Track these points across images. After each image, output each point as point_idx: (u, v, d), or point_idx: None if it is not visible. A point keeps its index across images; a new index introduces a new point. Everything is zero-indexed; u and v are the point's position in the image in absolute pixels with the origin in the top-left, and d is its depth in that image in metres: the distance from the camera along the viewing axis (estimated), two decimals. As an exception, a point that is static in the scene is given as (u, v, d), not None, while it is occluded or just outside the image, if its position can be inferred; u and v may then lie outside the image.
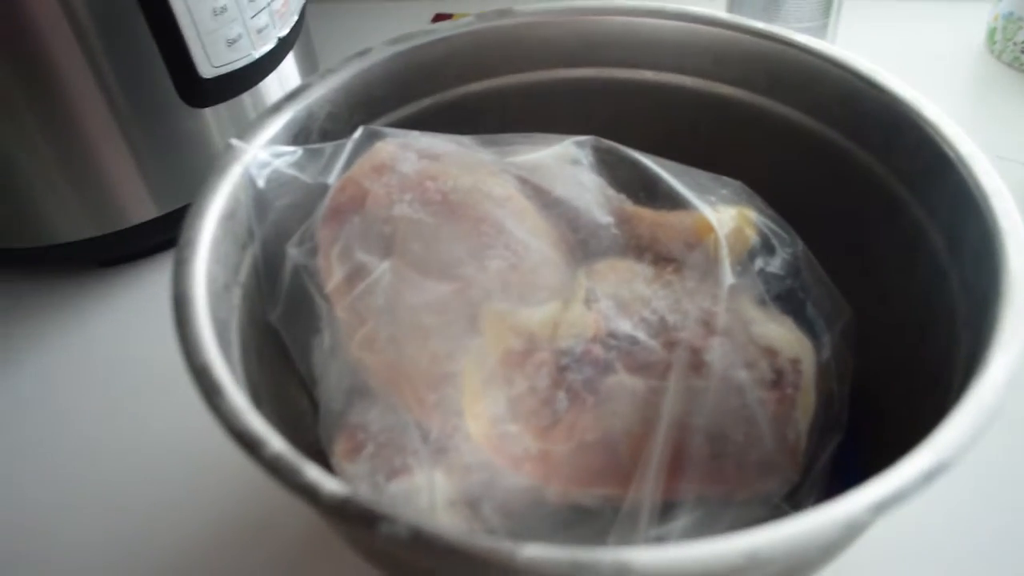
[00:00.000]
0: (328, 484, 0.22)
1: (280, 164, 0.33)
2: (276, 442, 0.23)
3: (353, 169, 0.33)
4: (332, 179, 0.33)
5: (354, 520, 0.21)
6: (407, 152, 0.33)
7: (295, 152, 0.33)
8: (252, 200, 0.32)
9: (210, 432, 0.25)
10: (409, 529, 0.21)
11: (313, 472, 0.22)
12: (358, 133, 0.34)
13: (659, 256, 0.34)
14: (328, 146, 0.34)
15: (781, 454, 0.30)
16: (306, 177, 0.33)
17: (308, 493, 0.22)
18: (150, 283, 0.51)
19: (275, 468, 0.22)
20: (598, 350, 0.31)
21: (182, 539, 0.40)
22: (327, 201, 0.33)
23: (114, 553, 0.39)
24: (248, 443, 0.23)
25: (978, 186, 0.28)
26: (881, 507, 0.21)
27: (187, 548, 0.39)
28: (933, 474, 0.21)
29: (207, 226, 0.30)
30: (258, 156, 0.32)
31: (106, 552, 0.39)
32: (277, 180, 0.33)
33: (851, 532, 0.21)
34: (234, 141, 0.32)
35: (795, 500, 0.31)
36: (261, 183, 0.32)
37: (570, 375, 0.31)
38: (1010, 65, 0.61)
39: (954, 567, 0.37)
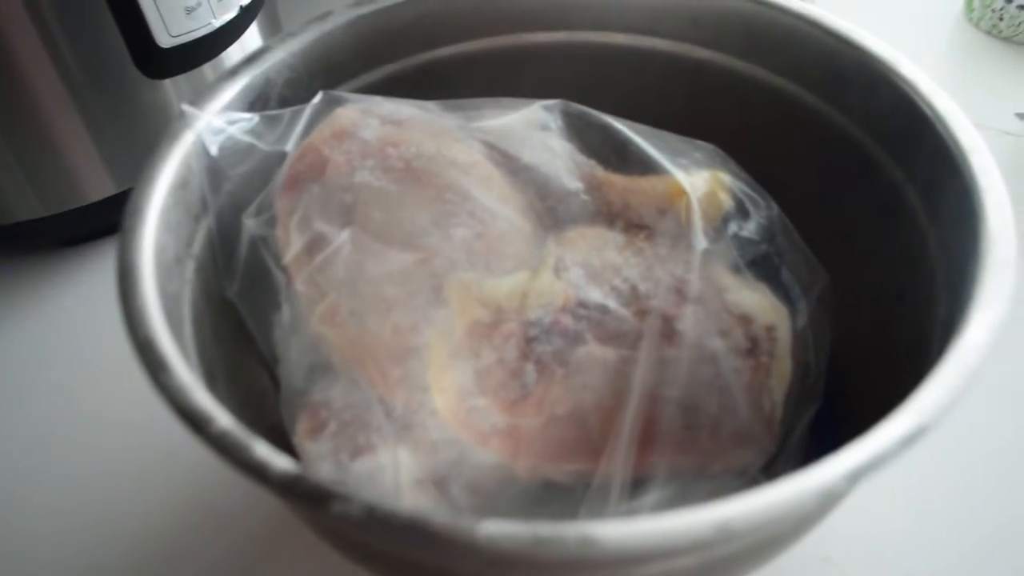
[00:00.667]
0: (278, 462, 0.21)
1: (235, 131, 0.32)
2: (223, 419, 0.22)
3: (312, 136, 0.32)
4: (290, 146, 0.32)
5: (305, 499, 0.20)
6: (368, 118, 0.32)
7: (251, 119, 0.32)
8: (205, 168, 0.31)
9: (173, 417, 0.24)
10: (363, 507, 0.20)
11: (262, 450, 0.21)
12: (317, 98, 0.33)
13: (630, 223, 0.33)
14: (286, 112, 0.32)
15: (756, 424, 0.29)
16: (263, 144, 0.32)
17: (257, 472, 0.21)
18: (111, 262, 0.49)
19: (222, 446, 0.21)
20: (567, 320, 0.30)
21: (145, 529, 0.38)
22: (285, 169, 0.31)
23: (74, 544, 0.38)
24: (193, 420, 0.22)
25: (956, 143, 0.27)
26: (858, 474, 0.20)
27: (150, 538, 0.38)
28: (912, 438, 0.21)
29: (156, 194, 0.28)
30: (212, 123, 0.31)
31: (65, 544, 0.38)
32: (232, 147, 0.31)
33: (827, 501, 0.20)
34: (186, 107, 0.31)
35: (772, 472, 0.30)
36: (214, 150, 0.31)
37: (539, 346, 0.30)
38: (988, 33, 0.60)
39: (937, 541, 0.36)
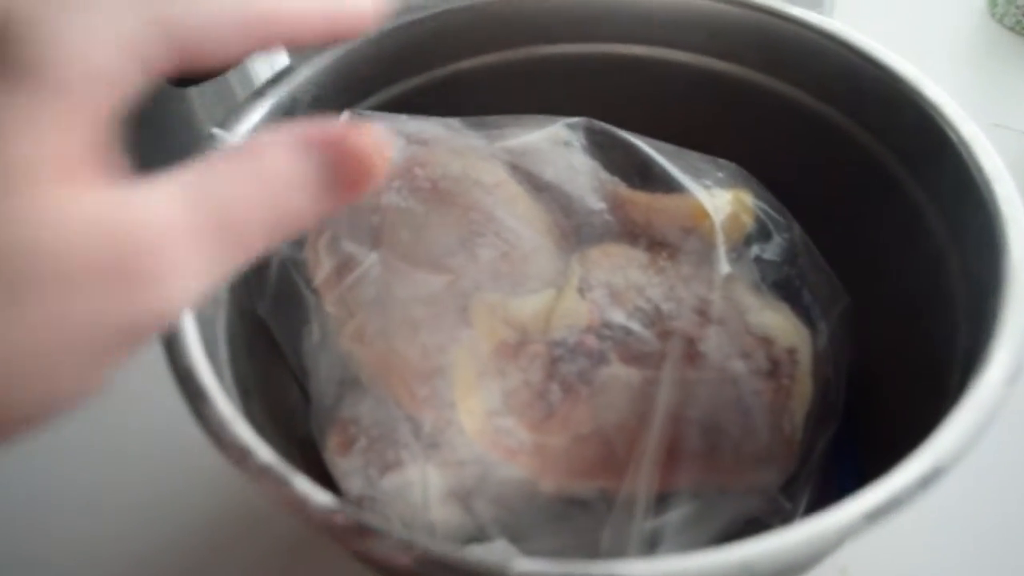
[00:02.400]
0: (318, 497, 0.22)
1: None
2: (263, 452, 0.23)
3: None
4: None
5: (344, 535, 0.21)
6: (395, 137, 0.33)
7: None
8: None
9: (196, 427, 0.25)
10: (401, 545, 0.21)
11: (302, 484, 0.22)
12: (343, 118, 0.33)
13: (654, 241, 0.33)
14: None
15: (777, 445, 0.30)
16: None
17: (297, 506, 0.22)
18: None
19: (262, 480, 0.22)
20: (592, 341, 0.31)
21: (168, 538, 0.39)
22: None
23: (98, 552, 0.39)
24: (234, 453, 0.23)
25: (979, 169, 0.27)
26: (876, 515, 0.21)
27: (173, 547, 0.39)
28: (930, 479, 0.21)
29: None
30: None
31: (90, 551, 0.39)
32: None
33: (845, 539, 0.21)
34: (215, 130, 0.31)
35: (791, 490, 0.30)
36: None
37: (564, 367, 0.30)
38: (1012, 29, 0.60)
39: (956, 552, 0.37)
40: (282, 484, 0.22)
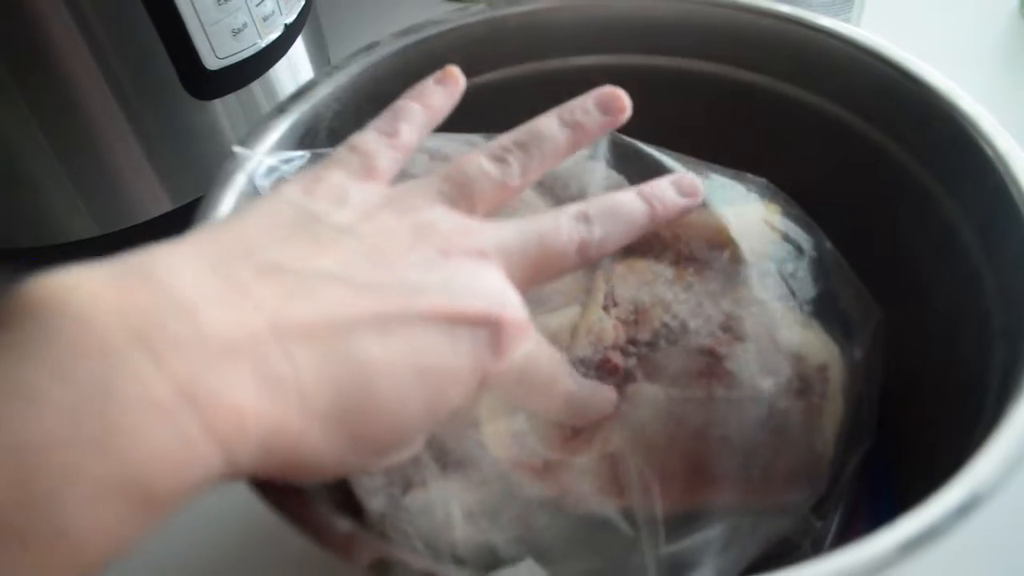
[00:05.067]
0: (339, 524, 0.21)
1: (288, 170, 0.32)
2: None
3: None
4: None
5: (368, 566, 0.21)
6: (418, 154, 0.32)
7: (303, 156, 0.32)
8: None
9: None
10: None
11: (323, 510, 0.22)
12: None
13: (680, 256, 0.33)
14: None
15: (808, 464, 0.29)
16: None
17: (318, 533, 0.21)
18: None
19: (282, 509, 0.22)
20: (617, 358, 0.30)
21: (181, 551, 0.38)
22: None
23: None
24: (256, 482, 0.22)
25: (1018, 188, 0.27)
26: (911, 546, 0.20)
27: (186, 560, 0.39)
28: (968, 508, 0.21)
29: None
30: (264, 162, 0.31)
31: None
32: None
33: (877, 573, 0.20)
34: (237, 148, 0.31)
35: (822, 510, 0.30)
36: (263, 187, 0.31)
37: (590, 386, 0.30)
38: (1047, 28, 0.58)
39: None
40: (306, 508, 0.22)
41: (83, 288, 0.19)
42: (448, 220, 0.25)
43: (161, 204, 0.48)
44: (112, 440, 0.17)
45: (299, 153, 0.32)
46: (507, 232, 0.26)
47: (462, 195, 0.26)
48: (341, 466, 0.22)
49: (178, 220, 0.48)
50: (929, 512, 0.20)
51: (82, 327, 0.18)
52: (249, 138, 0.32)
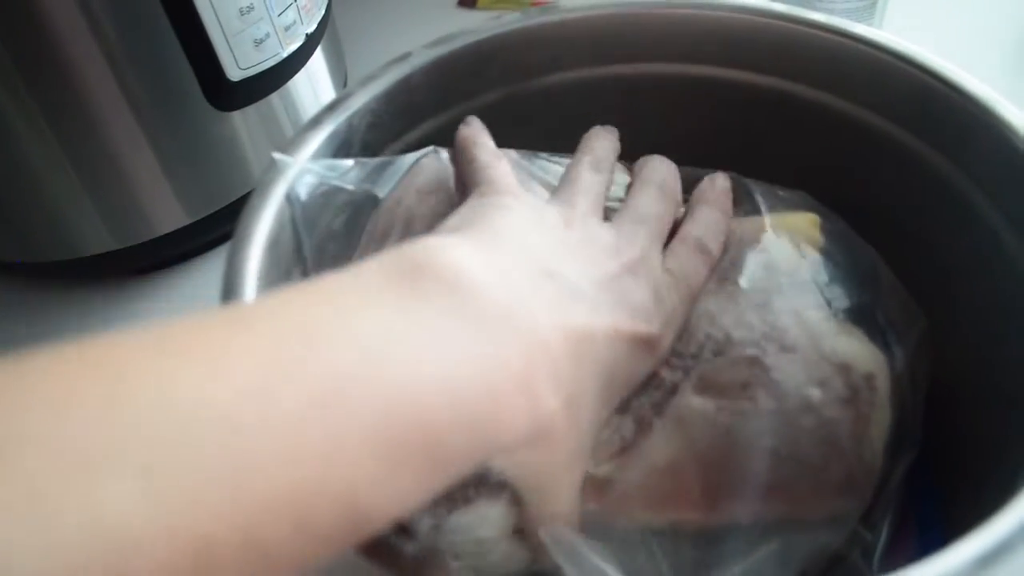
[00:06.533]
0: (406, 548, 0.21)
1: (331, 177, 0.31)
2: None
3: (398, 190, 0.32)
4: (382, 192, 0.32)
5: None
6: (447, 173, 0.32)
7: (348, 165, 0.32)
8: (298, 219, 0.31)
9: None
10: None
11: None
12: (423, 152, 0.32)
13: (721, 266, 0.32)
14: (384, 160, 0.32)
15: (856, 475, 0.29)
16: (354, 187, 0.32)
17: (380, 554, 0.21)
18: (182, 290, 0.50)
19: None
20: (663, 371, 0.30)
21: None
22: (370, 225, 0.31)
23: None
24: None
25: (1064, 194, 0.27)
26: (989, 560, 0.20)
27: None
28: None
29: (252, 258, 0.29)
30: (307, 170, 0.31)
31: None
32: (324, 194, 0.31)
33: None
34: (277, 155, 0.31)
35: (870, 521, 0.30)
36: (305, 197, 0.31)
37: (636, 399, 0.30)
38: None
39: None
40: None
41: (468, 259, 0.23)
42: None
43: (178, 218, 0.47)
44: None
45: (345, 162, 0.32)
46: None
47: None
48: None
49: (193, 233, 0.47)
50: (1004, 524, 0.20)
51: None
52: (287, 148, 0.32)
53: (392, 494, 0.19)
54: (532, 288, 0.24)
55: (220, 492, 0.16)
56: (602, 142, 0.32)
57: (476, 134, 0.31)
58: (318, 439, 0.18)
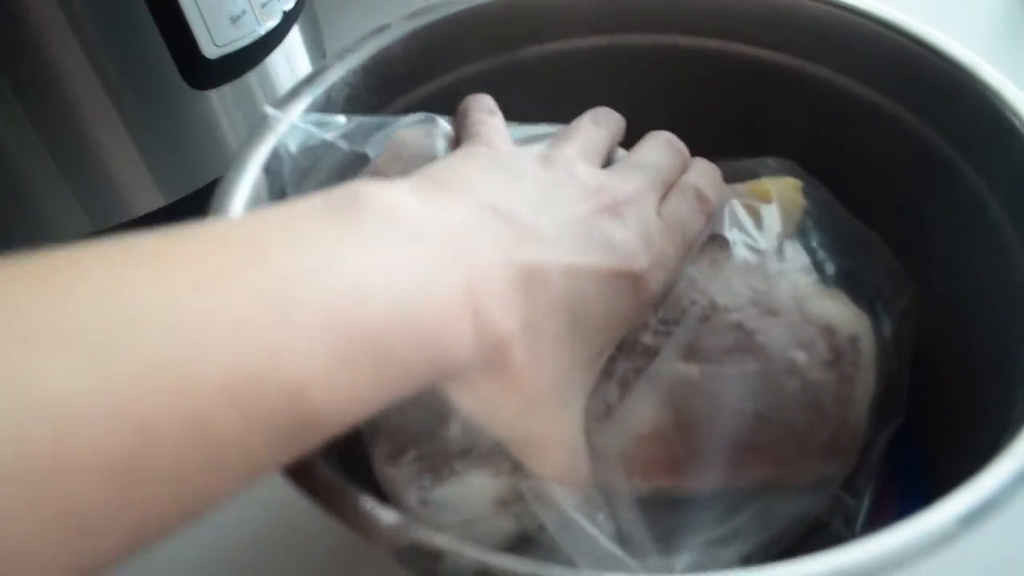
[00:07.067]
0: (385, 516, 0.21)
1: (319, 134, 0.31)
2: (323, 470, 0.22)
3: (376, 160, 0.31)
4: (373, 152, 0.31)
5: (415, 557, 0.20)
6: (435, 139, 0.32)
7: (342, 122, 0.31)
8: (287, 169, 0.30)
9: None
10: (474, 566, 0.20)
11: (367, 503, 0.21)
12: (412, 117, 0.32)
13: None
14: (378, 120, 0.32)
15: (841, 437, 0.29)
16: (344, 145, 0.31)
17: (362, 527, 0.21)
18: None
19: (325, 498, 0.21)
20: (648, 338, 0.30)
21: (209, 548, 0.38)
22: None
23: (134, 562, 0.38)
24: (291, 470, 0.22)
25: (1047, 155, 0.26)
26: (972, 518, 0.20)
27: (215, 557, 0.38)
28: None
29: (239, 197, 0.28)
30: (297, 126, 0.31)
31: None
32: (314, 148, 0.31)
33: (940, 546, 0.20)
34: (269, 109, 0.31)
35: (852, 487, 0.30)
36: (295, 149, 0.30)
37: (620, 365, 0.29)
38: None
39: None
40: (347, 502, 0.21)
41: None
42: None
43: (154, 200, 0.47)
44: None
45: (337, 118, 0.31)
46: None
47: None
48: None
49: (169, 217, 0.47)
50: (988, 482, 0.20)
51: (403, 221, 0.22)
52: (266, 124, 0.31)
53: (342, 392, 0.19)
54: (475, 223, 0.24)
55: (165, 375, 0.16)
56: (609, 111, 0.32)
57: (479, 97, 0.32)
58: (265, 331, 0.18)
